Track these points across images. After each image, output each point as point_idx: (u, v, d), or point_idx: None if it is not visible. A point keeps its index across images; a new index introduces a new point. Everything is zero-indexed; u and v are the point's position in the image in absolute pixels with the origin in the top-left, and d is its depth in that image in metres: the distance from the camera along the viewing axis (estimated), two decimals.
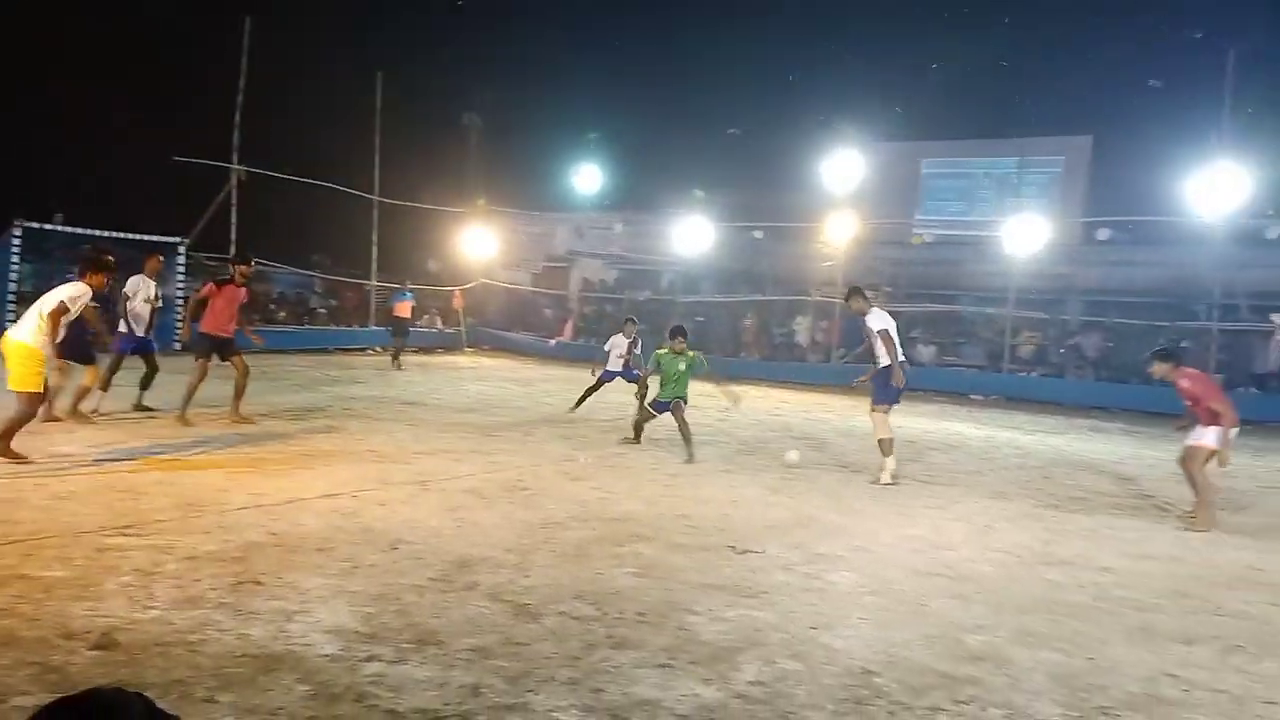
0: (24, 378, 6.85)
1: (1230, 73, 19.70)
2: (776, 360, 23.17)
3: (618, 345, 12.45)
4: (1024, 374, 21.09)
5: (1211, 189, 18.36)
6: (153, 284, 10.35)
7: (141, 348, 10.18)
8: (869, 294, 9.18)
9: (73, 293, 7.12)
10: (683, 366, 9.71)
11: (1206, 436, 7.62)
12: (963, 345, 23.49)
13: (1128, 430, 15.28)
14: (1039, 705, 3.66)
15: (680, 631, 4.20)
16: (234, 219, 20.15)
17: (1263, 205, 20.39)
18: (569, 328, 25.45)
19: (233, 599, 4.23)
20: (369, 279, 23.92)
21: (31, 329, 6.91)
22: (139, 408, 9.97)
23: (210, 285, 9.97)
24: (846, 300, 9.59)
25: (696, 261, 25.32)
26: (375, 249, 23.88)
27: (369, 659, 3.66)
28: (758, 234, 25.75)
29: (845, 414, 15.21)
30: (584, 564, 5.19)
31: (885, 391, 8.86)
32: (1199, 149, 19.40)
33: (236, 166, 20.18)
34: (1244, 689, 3.95)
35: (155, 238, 17.42)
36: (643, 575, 5.05)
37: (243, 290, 10.05)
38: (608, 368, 12.32)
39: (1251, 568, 6.21)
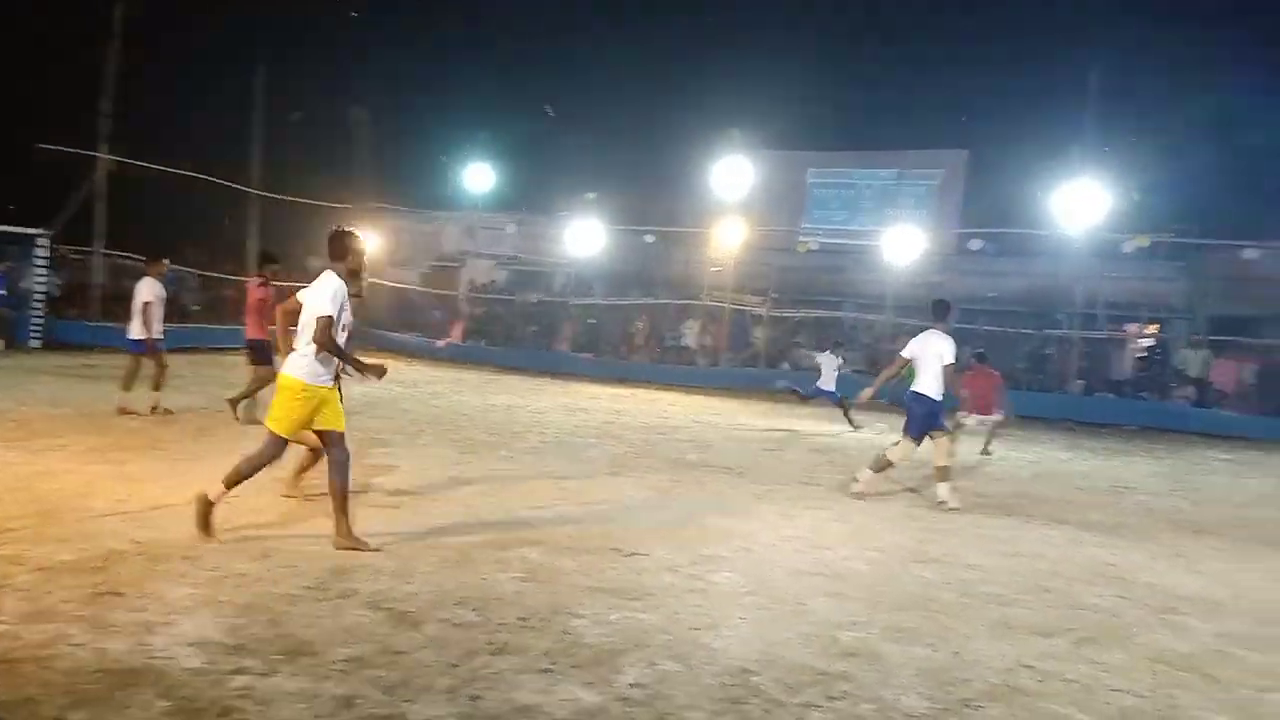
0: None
1: (1092, 94, 20.94)
2: (666, 363, 23.38)
3: (828, 363, 14.67)
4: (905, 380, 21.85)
5: (1074, 204, 19.47)
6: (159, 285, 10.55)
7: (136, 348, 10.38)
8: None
9: None
10: None
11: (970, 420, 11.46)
12: (845, 350, 24.20)
13: (997, 433, 15.99)
14: (907, 699, 3.80)
15: (563, 635, 4.20)
16: (100, 211, 19.14)
17: (1120, 221, 21.71)
18: (458, 329, 25.10)
19: (89, 611, 4.00)
20: (247, 275, 23.05)
21: None
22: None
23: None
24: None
25: (588, 264, 25.36)
26: (254, 244, 23.03)
27: (236, 672, 3.52)
28: (649, 238, 25.97)
29: (731, 416, 15.48)
30: (468, 569, 5.12)
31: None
32: (1064, 166, 20.56)
33: (105, 156, 19.16)
34: (1093, 678, 4.19)
35: (13, 229, 16.40)
36: (528, 580, 5.01)
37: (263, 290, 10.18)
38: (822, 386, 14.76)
39: (1105, 563, 6.59)
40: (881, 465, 8.50)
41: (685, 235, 24.78)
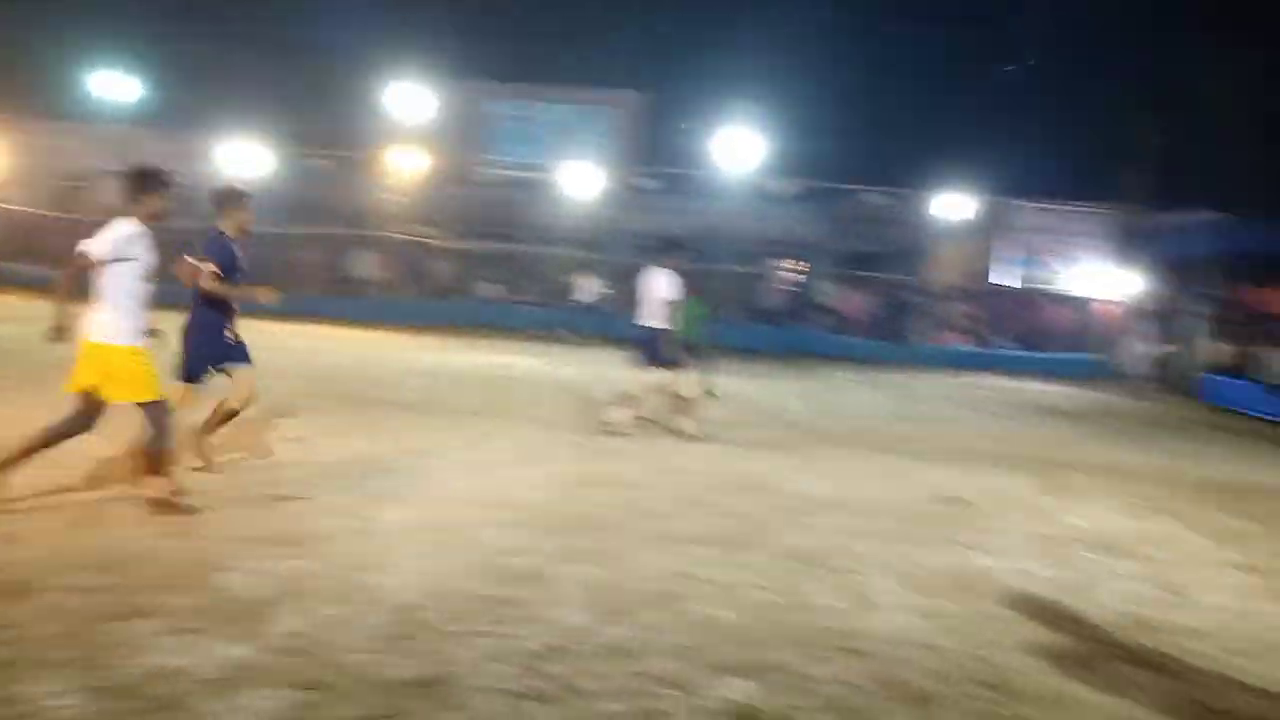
0: None
1: (746, 51, 22.37)
2: (339, 296, 22.31)
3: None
4: (584, 310, 22.50)
5: (731, 148, 20.89)
6: None
7: None
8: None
9: None
10: None
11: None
12: (524, 283, 24.50)
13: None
14: (571, 615, 3.96)
15: (211, 592, 3.90)
16: None
17: (767, 164, 23.65)
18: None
19: None
20: None
21: None
22: None
23: None
24: None
25: (252, 188, 23.37)
26: None
27: None
28: (321, 163, 24.39)
29: (410, 352, 15.15)
30: (99, 529, 4.60)
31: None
32: (726, 112, 21.95)
33: None
34: (736, 579, 4.63)
35: None
36: (170, 536, 4.59)
37: None
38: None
39: (751, 474, 7.28)
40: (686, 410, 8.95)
41: (361, 163, 23.58)
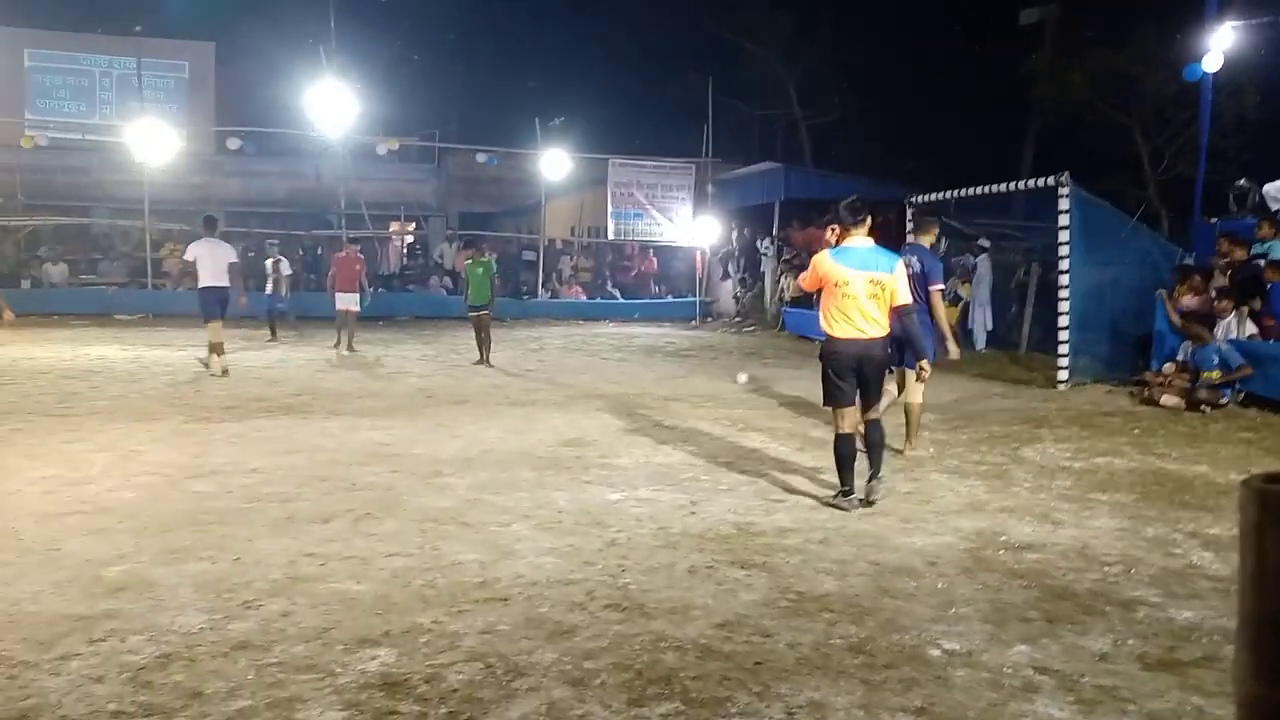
0: None
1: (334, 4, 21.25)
2: None
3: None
4: (169, 288, 20.32)
5: (325, 105, 19.73)
6: None
7: None
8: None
9: None
10: None
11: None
12: (100, 262, 21.56)
13: (279, 339, 15.96)
14: (184, 618, 3.59)
15: None
16: None
17: (373, 124, 22.83)
18: None
19: None
20: None
21: None
22: None
23: None
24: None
25: None
26: None
27: None
28: None
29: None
30: None
31: None
32: (312, 66, 20.68)
33: None
34: (370, 549, 4.47)
35: None
36: None
37: None
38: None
39: (380, 444, 7.06)
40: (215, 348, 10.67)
41: None
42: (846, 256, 5.45)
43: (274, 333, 15.03)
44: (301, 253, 22.76)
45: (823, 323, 5.51)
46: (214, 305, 10.70)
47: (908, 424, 6.97)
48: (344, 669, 3.19)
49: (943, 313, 7.03)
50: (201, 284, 10.72)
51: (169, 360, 12.21)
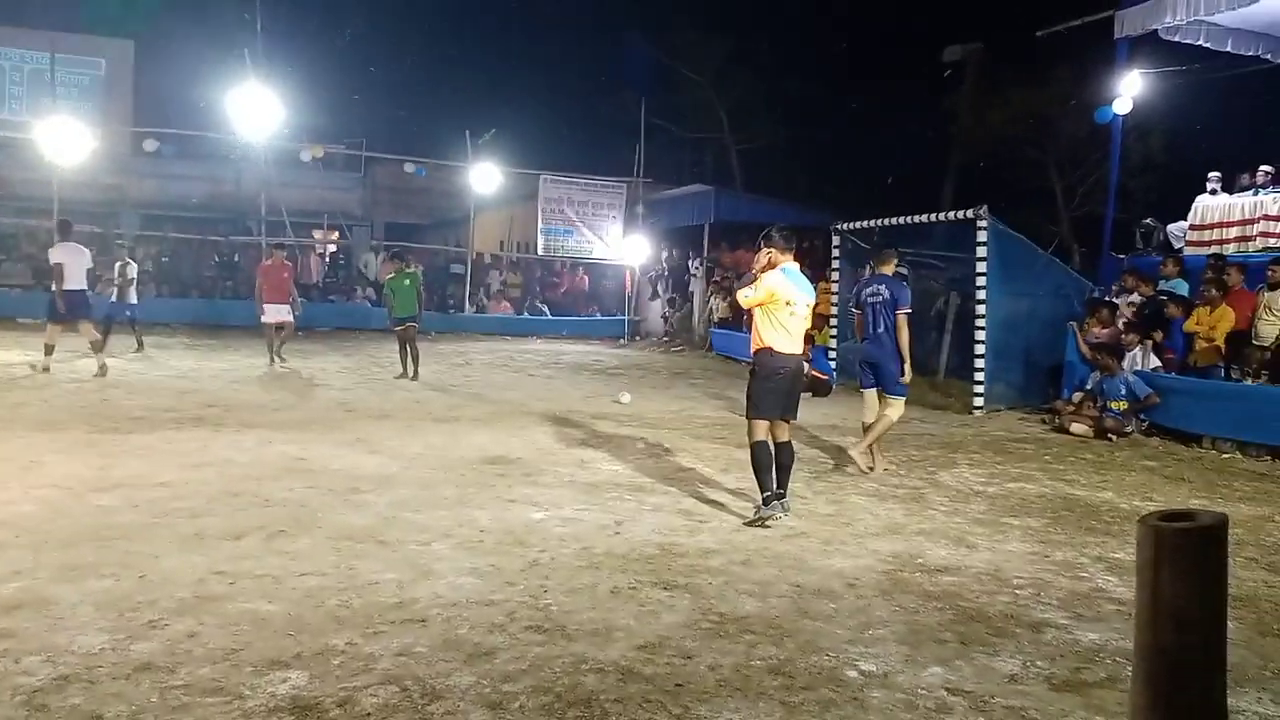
0: None
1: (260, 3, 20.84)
2: None
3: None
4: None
5: (248, 109, 19.25)
6: None
7: None
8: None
9: None
10: None
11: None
12: (3, 263, 20.67)
13: (189, 344, 15.48)
14: (84, 638, 3.43)
15: None
16: None
17: (296, 130, 22.37)
18: None
19: None
20: None
21: None
22: None
23: None
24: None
25: None
26: None
27: None
28: None
29: None
30: None
31: None
32: (236, 69, 20.19)
33: None
34: (283, 568, 4.34)
35: None
36: None
37: None
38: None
39: (295, 458, 6.87)
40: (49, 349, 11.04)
41: None
42: (794, 279, 5.75)
43: (140, 344, 13.78)
44: (217, 259, 22.15)
45: (765, 338, 5.70)
46: (80, 308, 11.19)
47: (872, 431, 7.26)
48: (253, 691, 3.08)
49: (906, 336, 7.32)
50: (66, 287, 11.02)
51: (74, 367, 11.72)
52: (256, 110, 19.06)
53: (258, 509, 5.40)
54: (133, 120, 23.36)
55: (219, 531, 4.88)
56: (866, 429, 7.37)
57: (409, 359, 12.26)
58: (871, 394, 7.43)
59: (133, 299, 13.75)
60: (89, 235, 21.00)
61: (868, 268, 8.56)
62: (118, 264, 13.63)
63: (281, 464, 6.65)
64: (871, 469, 7.20)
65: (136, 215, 23.11)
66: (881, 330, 7.28)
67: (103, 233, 21.39)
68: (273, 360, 12.99)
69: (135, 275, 13.93)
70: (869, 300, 7.39)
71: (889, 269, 7.62)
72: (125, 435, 7.47)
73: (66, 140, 18.51)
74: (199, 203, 24.21)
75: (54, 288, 11.10)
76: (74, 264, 11.08)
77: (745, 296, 5.82)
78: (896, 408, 7.30)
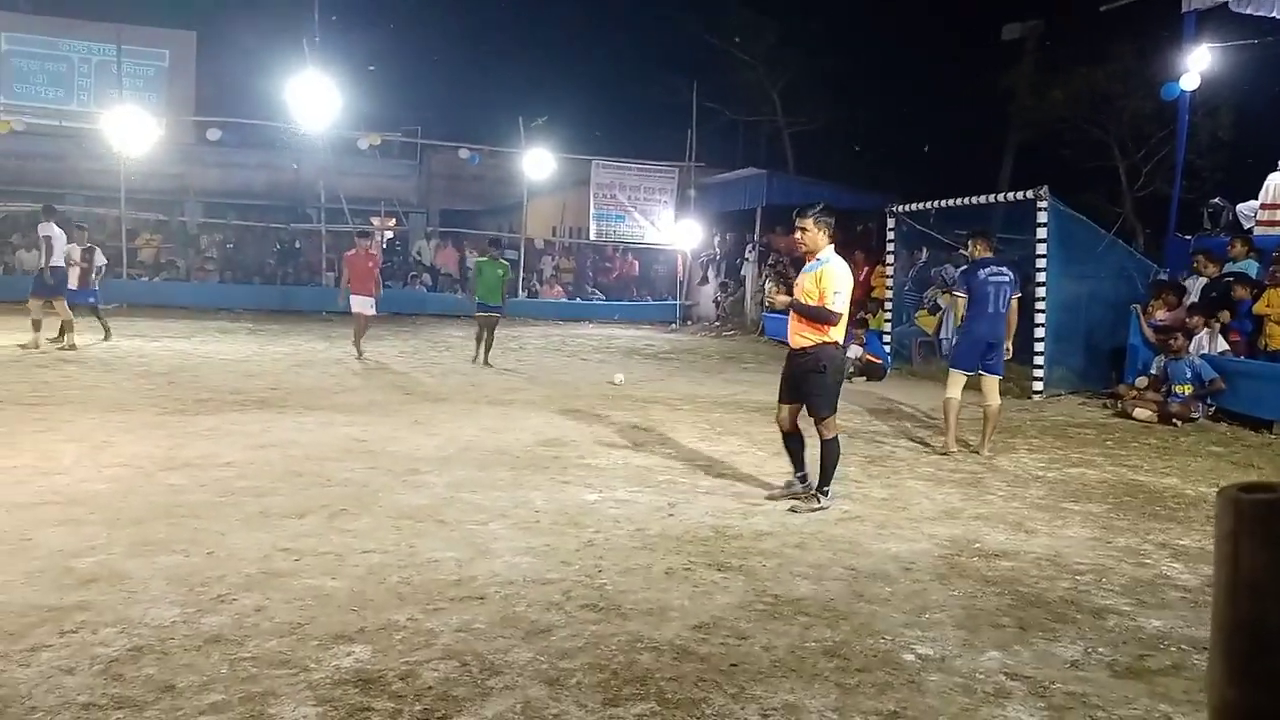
0: None
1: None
2: None
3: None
4: (145, 279, 20.13)
5: (307, 98, 19.57)
6: None
7: None
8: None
9: None
10: None
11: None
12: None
13: (253, 329, 15.83)
14: (157, 611, 3.56)
15: None
16: None
17: (354, 118, 22.67)
18: None
19: None
20: None
21: None
22: None
23: None
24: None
25: None
26: None
27: None
28: None
29: None
30: None
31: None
32: (295, 58, 20.51)
33: None
34: (345, 546, 4.45)
35: None
36: None
37: None
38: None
39: (356, 440, 7.02)
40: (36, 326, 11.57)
41: None
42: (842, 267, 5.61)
43: (107, 331, 13.02)
44: (279, 246, 22.61)
45: (834, 332, 5.49)
46: (61, 285, 11.80)
47: (988, 424, 7.44)
48: (318, 664, 3.17)
49: (1016, 318, 7.43)
50: (54, 263, 11.71)
51: (143, 350, 12.09)
52: (315, 99, 19.38)
53: (320, 488, 5.53)
54: (195, 110, 23.92)
55: (283, 510, 5.01)
56: (946, 417, 7.41)
57: (483, 346, 12.31)
58: (965, 376, 7.39)
59: (96, 286, 13.06)
60: (155, 224, 21.65)
61: (923, 250, 8.45)
62: (81, 249, 12.68)
63: (342, 445, 6.80)
64: (972, 451, 7.39)
65: (199, 204, 23.65)
66: (1002, 310, 7.29)
67: (168, 220, 21.97)
68: (360, 354, 12.43)
69: (102, 261, 13.31)
70: (992, 280, 7.31)
71: (990, 252, 7.52)
72: (192, 417, 7.69)
73: (132, 130, 19.04)
74: (260, 191, 24.71)
75: (43, 263, 11.76)
76: (60, 243, 11.85)
77: (837, 307, 5.42)
78: (996, 390, 7.41)
